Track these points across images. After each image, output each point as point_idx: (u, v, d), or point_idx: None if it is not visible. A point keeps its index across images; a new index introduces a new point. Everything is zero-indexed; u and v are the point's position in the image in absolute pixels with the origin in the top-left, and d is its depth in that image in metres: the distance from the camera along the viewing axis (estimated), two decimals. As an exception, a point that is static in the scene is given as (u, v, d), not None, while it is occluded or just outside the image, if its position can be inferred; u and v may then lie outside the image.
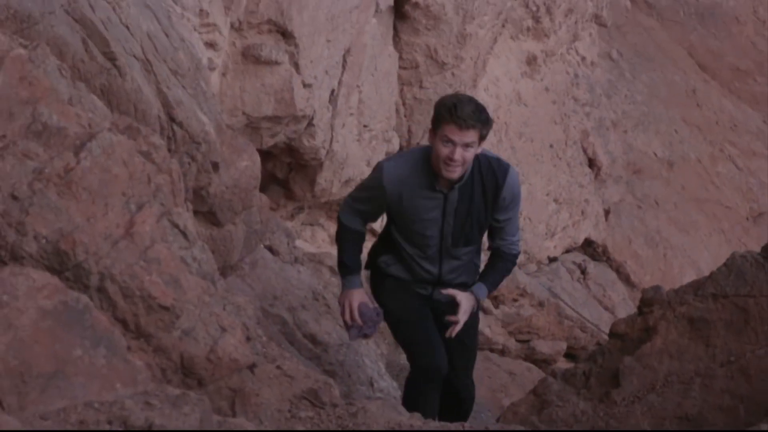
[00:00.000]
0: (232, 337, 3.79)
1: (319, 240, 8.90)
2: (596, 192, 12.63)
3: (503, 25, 10.77)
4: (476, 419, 7.37)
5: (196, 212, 5.25)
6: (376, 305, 6.48)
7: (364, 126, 8.58)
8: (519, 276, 10.78)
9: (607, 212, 13.01)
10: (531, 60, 11.58)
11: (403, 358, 7.36)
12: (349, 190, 8.50)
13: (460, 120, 5.85)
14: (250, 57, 6.97)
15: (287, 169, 8.27)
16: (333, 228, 8.96)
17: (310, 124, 7.61)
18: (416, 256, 6.48)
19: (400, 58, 9.26)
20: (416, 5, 9.01)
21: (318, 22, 7.31)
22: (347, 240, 6.54)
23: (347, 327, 6.43)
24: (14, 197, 3.47)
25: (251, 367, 3.96)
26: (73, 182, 3.60)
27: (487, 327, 10.21)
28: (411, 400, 6.60)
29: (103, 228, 3.62)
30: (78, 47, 4.48)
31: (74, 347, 3.20)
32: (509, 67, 11.27)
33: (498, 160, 6.38)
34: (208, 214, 5.35)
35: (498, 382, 9.60)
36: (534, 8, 11.29)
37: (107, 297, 3.56)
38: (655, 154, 13.39)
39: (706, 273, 6.25)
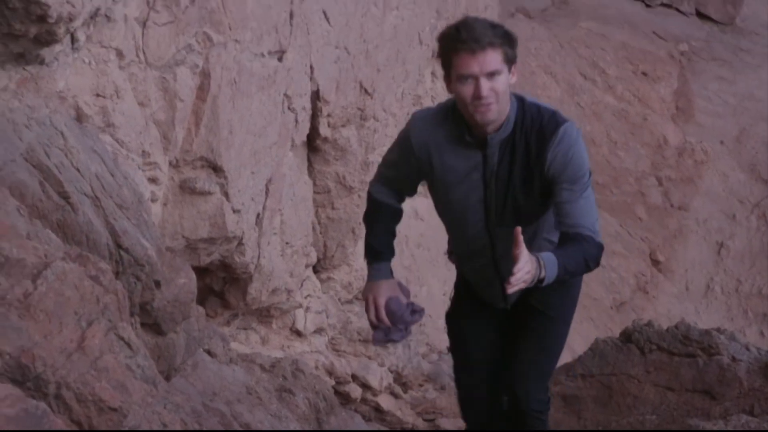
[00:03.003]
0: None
1: (252, 342, 8.83)
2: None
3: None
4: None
5: (142, 324, 5.19)
6: (411, 301, 4.76)
7: (286, 243, 8.56)
8: (423, 365, 10.76)
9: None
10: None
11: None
12: (277, 298, 8.47)
13: (471, 42, 4.13)
14: (187, 189, 6.94)
15: (222, 282, 8.21)
16: (264, 331, 8.91)
17: (240, 243, 7.57)
18: (464, 243, 4.79)
19: (315, 184, 9.28)
20: (326, 140, 9.04)
21: (243, 158, 7.31)
22: (374, 216, 4.93)
23: (372, 327, 4.79)
24: (-20, 321, 3.44)
25: (190, 456, 3.93)
26: (31, 305, 3.57)
27: (398, 410, 10.10)
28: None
29: (59, 343, 3.58)
30: (36, 189, 4.45)
31: (35, 448, 3.16)
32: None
33: (553, 113, 4.47)
34: (153, 325, 5.28)
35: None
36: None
37: (63, 403, 3.51)
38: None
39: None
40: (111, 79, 5.78)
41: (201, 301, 6.40)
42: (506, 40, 4.23)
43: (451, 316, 5.32)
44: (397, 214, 4.95)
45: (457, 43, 4.18)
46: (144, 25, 6.01)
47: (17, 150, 4.48)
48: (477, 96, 4.20)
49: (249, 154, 7.41)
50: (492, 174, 4.47)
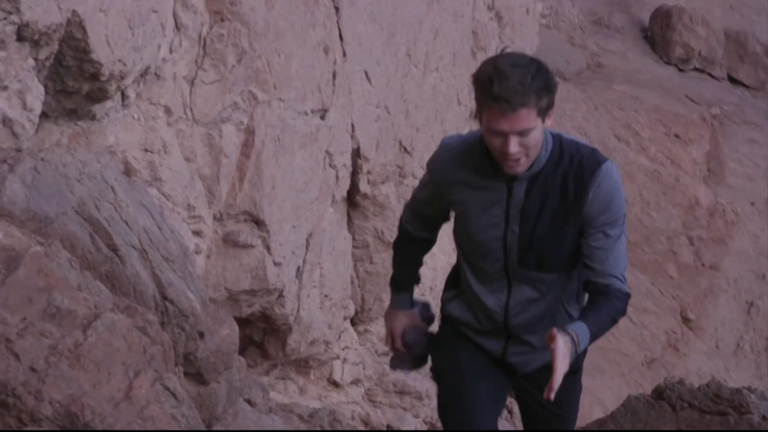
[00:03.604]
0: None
1: (290, 391, 8.82)
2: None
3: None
4: None
5: (186, 373, 5.21)
6: (431, 331, 4.57)
7: (325, 296, 8.56)
8: None
9: None
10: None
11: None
12: (315, 350, 8.47)
13: (501, 102, 3.70)
14: (230, 242, 6.97)
15: (262, 332, 8.22)
16: (302, 381, 8.90)
17: (281, 295, 7.58)
18: (478, 281, 4.25)
19: (354, 239, 9.28)
20: (365, 196, 9.06)
21: (285, 212, 7.34)
22: (402, 246, 4.60)
23: (392, 350, 4.62)
24: (33, 369, 3.46)
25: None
26: (81, 355, 3.60)
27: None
28: None
29: (107, 392, 3.61)
30: (86, 241, 4.49)
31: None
32: (442, 244, 11.32)
33: (593, 150, 4.05)
34: (196, 374, 5.30)
35: None
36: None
37: (110, 451, 3.54)
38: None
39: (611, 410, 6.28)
40: (159, 135, 5.84)
41: (241, 350, 6.42)
42: (542, 93, 3.76)
43: (437, 343, 4.56)
44: (427, 245, 4.62)
45: (488, 98, 3.74)
46: (192, 83, 6.08)
47: (69, 203, 4.53)
48: (504, 153, 3.81)
49: (291, 208, 7.45)
50: (517, 210, 4.01)
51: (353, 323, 9.49)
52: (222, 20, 6.15)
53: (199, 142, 6.27)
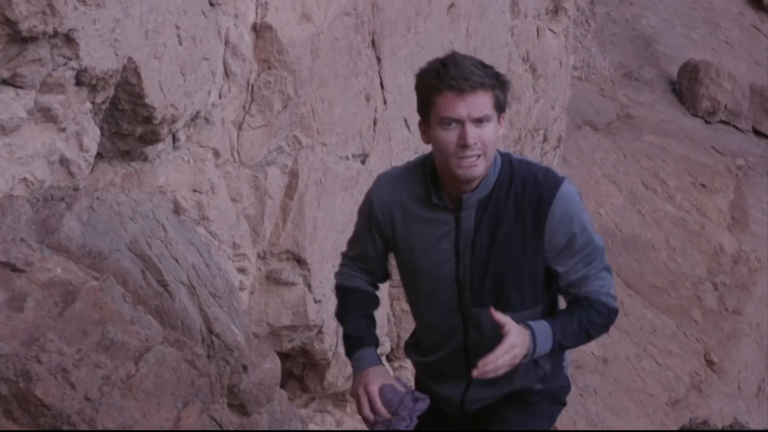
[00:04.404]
0: None
1: (328, 424, 8.81)
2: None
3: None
4: None
5: (229, 404, 5.22)
6: (411, 388, 3.68)
7: (362, 333, 8.57)
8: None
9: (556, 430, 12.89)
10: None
11: None
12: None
13: (459, 80, 3.27)
14: (272, 279, 6.99)
15: (302, 366, 8.22)
16: (339, 414, 8.89)
17: (320, 331, 7.59)
18: (432, 327, 3.72)
19: (390, 278, 9.30)
20: (403, 237, 9.07)
21: (326, 252, 7.36)
22: (345, 306, 3.98)
23: (369, 424, 3.64)
24: (87, 398, 3.48)
25: None
26: (133, 386, 3.62)
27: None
28: None
29: (157, 422, 3.62)
30: (138, 277, 4.52)
31: None
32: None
33: (546, 169, 3.54)
34: (239, 406, 5.30)
35: None
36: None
37: (159, 480, 3.56)
38: (593, 353, 13.35)
39: (635, 450, 6.27)
40: (207, 176, 5.89)
41: (281, 383, 6.44)
42: (499, 83, 3.37)
43: None
44: (371, 300, 3.97)
45: (442, 80, 3.30)
46: (239, 127, 6.13)
47: (122, 240, 4.56)
48: (462, 144, 3.31)
49: (331, 248, 7.46)
50: (467, 242, 3.48)
51: (389, 360, 9.48)
52: (269, 68, 6.20)
53: (245, 184, 6.31)
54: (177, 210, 5.66)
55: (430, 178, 3.53)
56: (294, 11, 6.32)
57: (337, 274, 4.07)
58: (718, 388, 14.36)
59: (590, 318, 3.51)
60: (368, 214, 3.71)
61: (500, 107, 3.40)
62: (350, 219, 7.64)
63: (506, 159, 3.54)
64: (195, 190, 5.82)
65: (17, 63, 4.15)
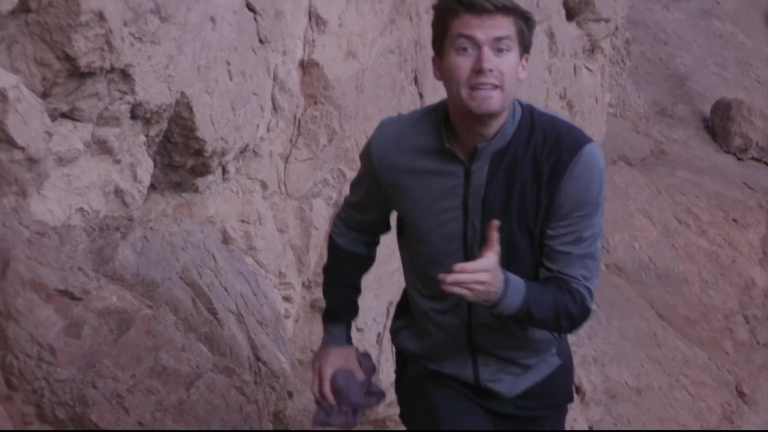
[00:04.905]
0: None
1: (370, 440, 8.81)
2: (582, 413, 12.49)
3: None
4: None
5: (275, 431, 5.23)
6: (368, 378, 3.45)
7: (402, 361, 8.55)
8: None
9: (590, 429, 12.83)
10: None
11: None
12: (392, 411, 8.43)
13: (478, 3, 2.83)
14: (317, 307, 6.98)
15: (343, 394, 8.22)
16: None
17: (361, 359, 7.58)
18: (431, 298, 3.25)
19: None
20: (442, 269, 9.05)
21: (367, 282, 7.27)
22: (335, 269, 3.57)
23: (316, 403, 3.45)
24: (140, 423, 3.50)
25: None
26: (184, 411, 3.63)
27: None
28: None
29: (207, 447, 3.64)
30: (189, 305, 4.54)
31: None
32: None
33: (573, 127, 3.06)
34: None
35: None
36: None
37: (209, 503, 3.57)
38: (627, 383, 13.26)
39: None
40: (255, 207, 5.91)
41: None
42: (523, 15, 2.91)
43: (404, 395, 3.54)
44: (365, 264, 3.63)
45: (461, 2, 2.86)
46: (286, 160, 6.14)
47: (174, 269, 4.59)
48: (478, 68, 2.87)
49: (373, 279, 7.46)
50: (477, 199, 3.02)
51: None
52: (315, 103, 6.23)
53: (291, 215, 6.32)
54: (225, 240, 5.68)
55: (444, 122, 3.08)
56: (340, 48, 6.35)
57: (335, 225, 3.57)
58: (750, 419, 14.24)
59: (565, 302, 3.03)
60: (367, 163, 3.26)
61: (524, 43, 2.96)
62: (392, 250, 7.61)
63: (528, 110, 3.11)
64: (243, 221, 5.84)
65: (75, 97, 4.19)
